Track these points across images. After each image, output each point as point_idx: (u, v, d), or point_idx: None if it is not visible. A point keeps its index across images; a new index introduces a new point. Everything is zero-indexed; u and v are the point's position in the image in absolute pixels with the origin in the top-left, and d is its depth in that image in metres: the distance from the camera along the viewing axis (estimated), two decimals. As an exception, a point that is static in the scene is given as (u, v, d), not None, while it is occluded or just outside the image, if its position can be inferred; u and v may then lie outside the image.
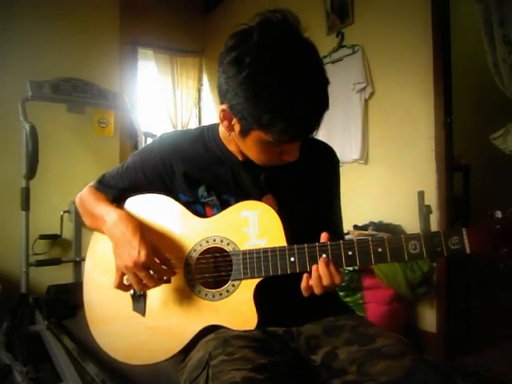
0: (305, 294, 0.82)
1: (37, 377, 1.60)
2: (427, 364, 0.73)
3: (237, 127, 0.84)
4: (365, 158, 2.64)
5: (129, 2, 3.59)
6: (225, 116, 0.85)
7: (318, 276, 0.79)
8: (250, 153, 0.89)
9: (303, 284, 0.81)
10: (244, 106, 0.77)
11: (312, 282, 0.80)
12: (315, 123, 0.81)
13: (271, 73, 0.75)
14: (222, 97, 0.83)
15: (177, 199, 0.96)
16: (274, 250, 0.84)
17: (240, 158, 0.95)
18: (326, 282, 0.79)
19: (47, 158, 2.57)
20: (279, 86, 0.75)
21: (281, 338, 0.87)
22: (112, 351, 0.94)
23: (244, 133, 0.83)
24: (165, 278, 0.88)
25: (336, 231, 1.03)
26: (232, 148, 0.95)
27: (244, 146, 0.88)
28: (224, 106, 0.83)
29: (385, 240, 0.78)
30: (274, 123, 0.76)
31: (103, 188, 1.03)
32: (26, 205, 2.39)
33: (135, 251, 0.84)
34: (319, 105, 0.79)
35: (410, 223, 2.29)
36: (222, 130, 0.97)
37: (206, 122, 4.08)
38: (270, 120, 0.76)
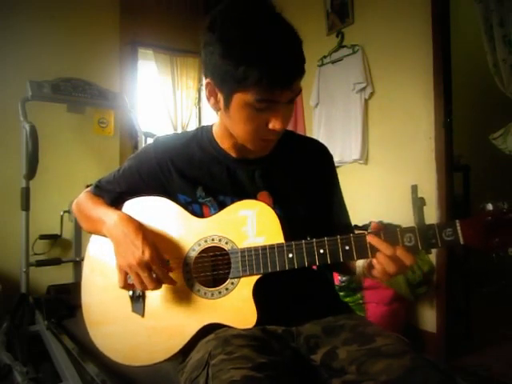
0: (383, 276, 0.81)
1: (37, 377, 1.60)
2: (427, 363, 0.73)
3: (221, 100, 0.85)
4: (365, 158, 2.64)
5: (129, 2, 3.59)
6: (210, 91, 0.86)
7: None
8: (237, 128, 0.87)
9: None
10: (220, 64, 0.79)
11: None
12: (289, 70, 0.79)
13: (240, 26, 0.78)
14: (205, 71, 0.85)
15: (175, 200, 0.97)
16: (272, 246, 0.84)
17: (234, 155, 0.96)
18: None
19: (47, 157, 2.57)
20: (249, 36, 0.77)
21: (280, 338, 0.87)
22: (111, 353, 0.94)
23: (227, 101, 0.83)
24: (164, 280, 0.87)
25: (342, 222, 1.04)
26: (225, 146, 0.96)
27: (231, 121, 0.87)
28: (208, 79, 0.84)
29: (381, 234, 0.79)
30: (248, 74, 0.76)
31: (100, 192, 1.03)
32: (26, 205, 2.39)
33: (139, 251, 0.85)
34: (290, 51, 0.79)
35: (410, 223, 2.29)
36: (215, 128, 0.99)
37: (206, 122, 4.06)
38: (244, 72, 0.76)
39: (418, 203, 2.07)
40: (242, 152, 0.94)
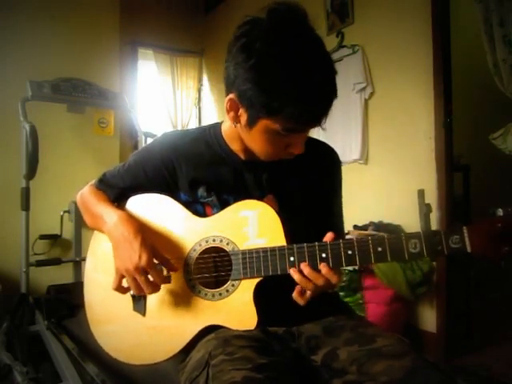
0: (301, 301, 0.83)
1: (37, 377, 1.60)
2: (428, 364, 0.73)
3: (243, 117, 0.83)
4: (365, 158, 2.64)
5: (129, 2, 3.59)
6: (231, 106, 0.84)
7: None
8: (255, 145, 0.88)
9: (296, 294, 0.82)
10: (253, 92, 0.77)
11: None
12: (324, 110, 0.80)
13: (280, 58, 0.75)
14: (230, 86, 0.82)
15: (177, 198, 0.96)
16: (273, 249, 0.83)
17: (242, 157, 0.95)
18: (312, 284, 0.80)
19: (47, 157, 2.57)
20: (288, 71, 0.75)
21: (281, 338, 0.87)
22: (113, 351, 0.94)
23: (251, 122, 0.82)
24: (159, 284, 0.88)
25: (336, 231, 1.03)
26: (235, 147, 0.95)
27: (249, 138, 0.87)
28: (232, 95, 0.82)
29: (385, 239, 0.78)
30: (282, 109, 0.76)
31: (104, 187, 1.03)
32: (25, 205, 2.39)
33: (136, 255, 0.84)
34: (328, 92, 0.79)
35: (410, 223, 2.29)
36: (225, 128, 0.97)
37: (205, 122, 4.08)
38: (278, 106, 0.76)
39: (425, 209, 2.04)
40: (251, 155, 0.93)
